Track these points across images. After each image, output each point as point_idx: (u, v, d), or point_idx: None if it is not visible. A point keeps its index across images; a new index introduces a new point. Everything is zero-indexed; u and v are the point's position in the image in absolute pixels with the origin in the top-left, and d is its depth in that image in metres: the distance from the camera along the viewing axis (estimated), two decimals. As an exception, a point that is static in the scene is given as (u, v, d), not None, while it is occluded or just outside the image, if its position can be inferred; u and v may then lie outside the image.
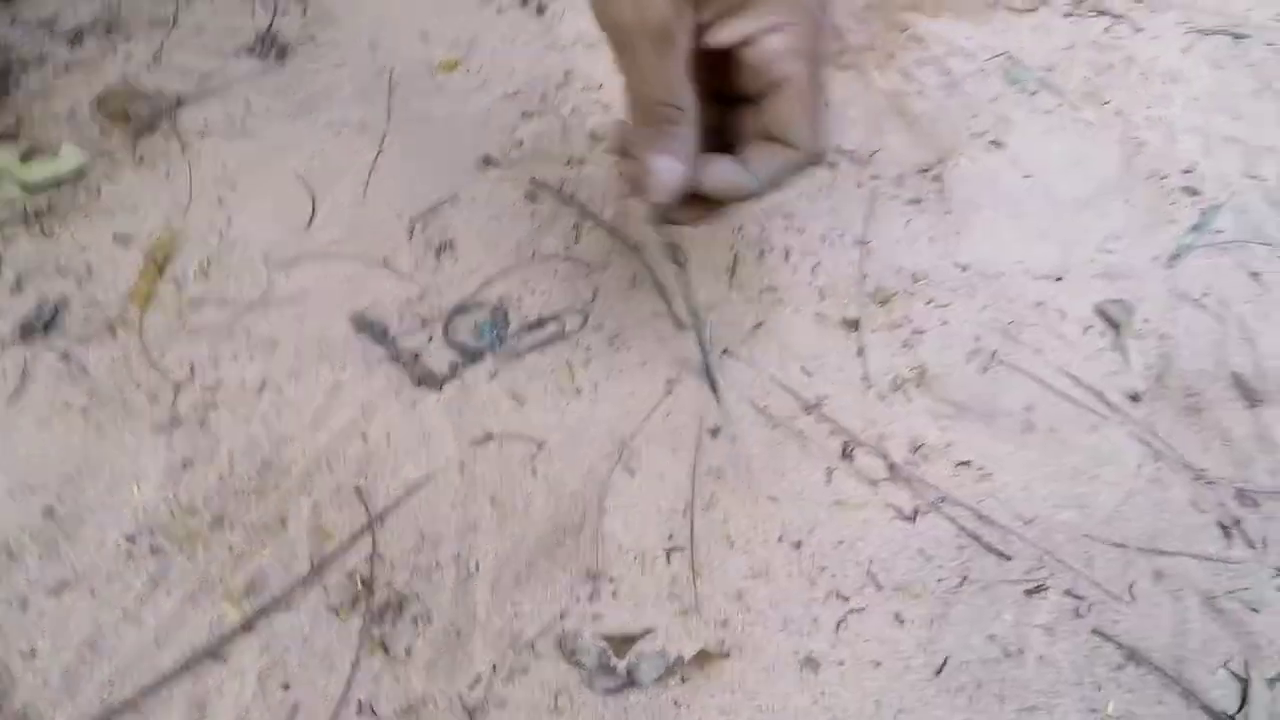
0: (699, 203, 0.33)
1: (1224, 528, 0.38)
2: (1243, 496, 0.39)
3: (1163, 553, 0.37)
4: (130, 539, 0.36)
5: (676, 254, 0.45)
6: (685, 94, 0.30)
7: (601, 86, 0.56)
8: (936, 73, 0.59)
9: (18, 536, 0.37)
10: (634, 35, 0.29)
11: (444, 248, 0.47)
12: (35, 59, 0.58)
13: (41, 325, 0.43)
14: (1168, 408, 0.42)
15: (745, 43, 0.30)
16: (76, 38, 0.60)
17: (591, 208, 0.49)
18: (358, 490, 0.38)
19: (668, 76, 0.30)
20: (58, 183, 0.50)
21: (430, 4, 0.63)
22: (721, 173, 0.32)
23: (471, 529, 0.37)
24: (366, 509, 0.37)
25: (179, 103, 0.55)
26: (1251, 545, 0.37)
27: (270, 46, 0.60)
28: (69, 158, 0.51)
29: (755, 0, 0.29)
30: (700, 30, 0.30)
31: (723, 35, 0.30)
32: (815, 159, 0.32)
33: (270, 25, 0.61)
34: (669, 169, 0.31)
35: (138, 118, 0.54)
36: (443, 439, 0.40)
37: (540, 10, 0.62)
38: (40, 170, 0.50)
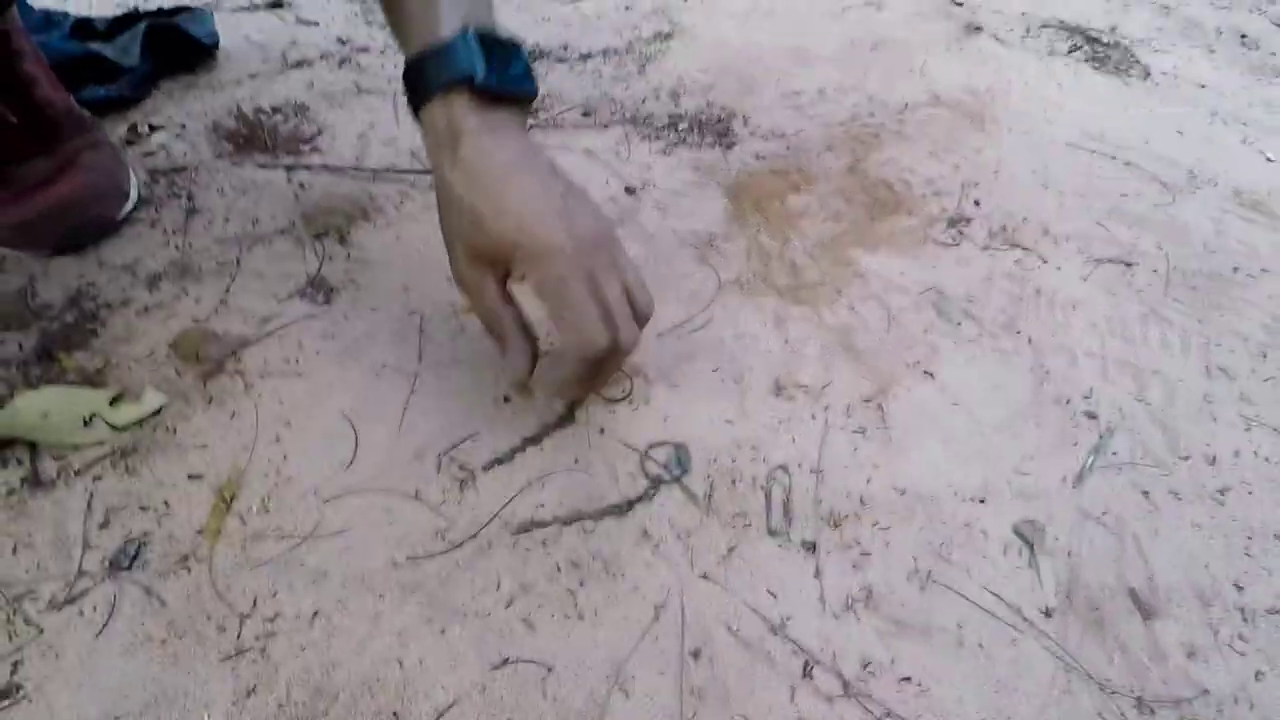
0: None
1: (1125, 736, 0.45)
2: (1141, 705, 0.46)
3: (1075, 761, 0.44)
4: (202, 767, 0.43)
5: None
6: (503, 315, 0.52)
7: (598, 327, 0.67)
8: (877, 307, 0.71)
9: (104, 764, 0.43)
10: (461, 287, 0.53)
11: (466, 481, 0.56)
12: (119, 302, 0.69)
13: (127, 561, 0.51)
14: (1075, 622, 0.50)
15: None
16: (154, 282, 0.72)
17: (581, 446, 0.58)
18: (395, 716, 0.45)
19: (484, 309, 0.53)
20: (140, 423, 0.59)
21: (454, 247, 0.75)
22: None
23: (492, 751, 0.44)
24: (403, 734, 0.44)
25: (243, 344, 0.66)
26: (1149, 753, 0.44)
27: (319, 290, 0.71)
28: (151, 400, 0.60)
29: (516, 261, 0.49)
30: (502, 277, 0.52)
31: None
32: (585, 348, 0.49)
33: (319, 270, 0.73)
34: (509, 359, 0.53)
35: (208, 359, 0.64)
36: (467, 664, 0.47)
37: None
38: (126, 414, 0.59)
